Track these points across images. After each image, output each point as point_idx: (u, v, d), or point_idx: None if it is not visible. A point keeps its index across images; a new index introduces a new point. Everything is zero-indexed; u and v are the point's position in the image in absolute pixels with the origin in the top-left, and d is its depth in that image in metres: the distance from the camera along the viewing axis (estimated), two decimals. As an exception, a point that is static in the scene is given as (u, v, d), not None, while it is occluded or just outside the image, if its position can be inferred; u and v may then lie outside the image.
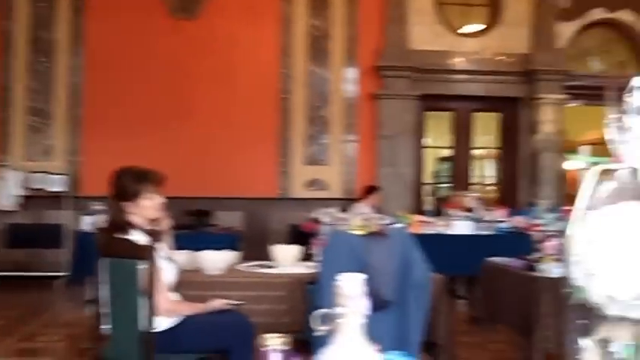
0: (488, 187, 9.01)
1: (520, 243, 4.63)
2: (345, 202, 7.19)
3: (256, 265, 3.78)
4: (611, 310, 0.91)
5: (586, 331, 0.96)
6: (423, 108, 8.26)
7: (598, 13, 8.27)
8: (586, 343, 0.96)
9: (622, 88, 0.94)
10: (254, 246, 5.26)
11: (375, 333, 3.16)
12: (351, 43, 7.98)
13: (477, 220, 6.91)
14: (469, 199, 7.50)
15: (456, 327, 5.64)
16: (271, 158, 7.95)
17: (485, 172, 9.39)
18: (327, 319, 1.06)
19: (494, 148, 8.83)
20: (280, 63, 7.93)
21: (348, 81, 8.03)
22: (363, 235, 3.20)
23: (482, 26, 8.33)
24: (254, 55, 7.87)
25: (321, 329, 1.09)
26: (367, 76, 7.98)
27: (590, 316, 0.95)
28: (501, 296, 4.22)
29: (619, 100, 0.94)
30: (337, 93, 8.02)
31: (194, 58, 7.75)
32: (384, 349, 3.09)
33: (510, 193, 8.42)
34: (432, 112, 8.59)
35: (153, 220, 2.87)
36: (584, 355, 0.96)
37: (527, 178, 8.25)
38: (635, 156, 0.92)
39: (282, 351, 1.11)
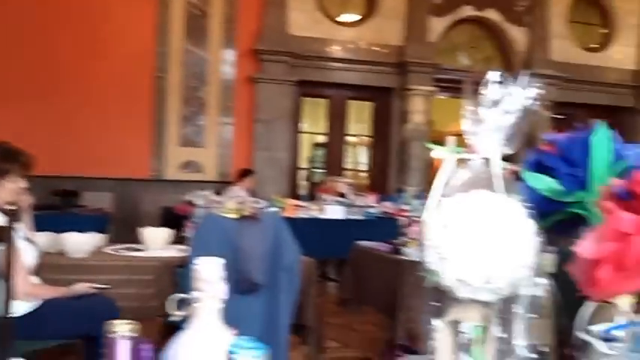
0: (361, 174, 9.25)
1: (388, 227, 4.80)
2: (220, 185, 7.12)
3: (124, 248, 3.67)
4: (462, 293, 0.95)
5: (439, 313, 1.00)
6: (300, 94, 8.33)
7: (467, 11, 8.68)
8: (439, 324, 1.00)
9: (478, 82, 0.99)
10: (125, 228, 5.09)
11: (245, 316, 3.17)
12: (230, 24, 7.86)
13: (349, 205, 7.09)
14: (342, 184, 7.67)
15: (326, 309, 5.77)
16: (144, 138, 7.70)
17: (359, 158, 9.63)
18: (184, 303, 1.04)
19: (367, 136, 9.06)
20: (156, 40, 7.67)
21: (226, 63, 7.91)
22: (236, 219, 3.19)
23: (359, 16, 8.48)
24: (128, 31, 7.56)
25: (176, 314, 1.07)
26: (245, 58, 7.90)
27: (443, 299, 0.99)
28: (368, 279, 4.36)
29: (476, 93, 0.99)
30: (215, 74, 7.89)
31: (63, 30, 7.31)
32: (254, 331, 3.11)
33: (381, 179, 8.70)
34: (309, 98, 8.67)
35: (9, 201, 2.71)
36: (437, 336, 1.00)
37: (397, 165, 8.54)
38: (488, 147, 0.97)
39: (131, 338, 1.07)
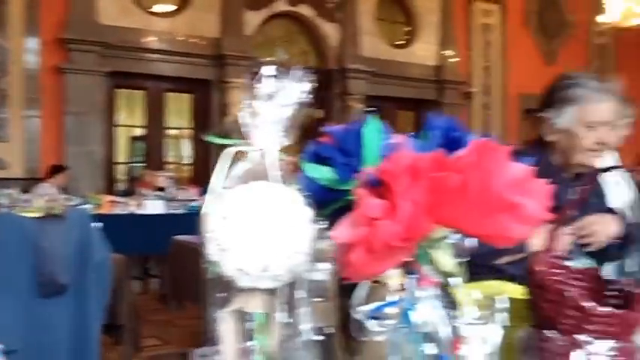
0: (184, 167, 9.11)
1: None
2: (28, 183, 6.67)
3: None
4: (243, 282, 0.97)
5: (224, 303, 1.02)
6: (114, 85, 8.00)
7: (281, 6, 8.83)
8: (224, 314, 1.02)
9: (256, 75, 1.02)
10: None
11: (51, 319, 3.00)
12: (32, 10, 7.29)
13: (170, 200, 6.99)
14: (162, 178, 7.53)
15: (147, 306, 5.64)
16: (-64, 133, 6.98)
17: (181, 151, 9.48)
18: None
19: (188, 129, 8.94)
20: (-54, 25, 6.96)
21: (30, 51, 7.36)
22: (37, 218, 3.01)
23: (174, 7, 8.30)
24: None
25: None
26: (51, 47, 7.40)
27: (226, 289, 1.01)
28: (188, 273, 4.32)
29: (253, 86, 1.01)
30: (17, 64, 7.30)
31: None
32: (62, 334, 2.96)
33: (204, 172, 8.60)
34: (124, 90, 8.37)
35: None
36: (222, 326, 1.02)
37: (219, 158, 8.50)
38: (265, 139, 1.00)
39: None
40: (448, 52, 10.16)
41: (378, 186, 0.79)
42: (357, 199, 0.79)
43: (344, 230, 0.80)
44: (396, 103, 9.70)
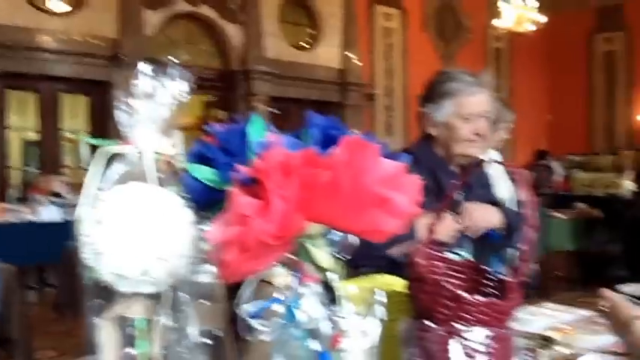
0: (82, 171, 8.78)
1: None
2: None
3: None
4: (122, 287, 0.94)
5: (102, 310, 0.99)
6: (5, 86, 7.60)
7: (182, 6, 8.67)
8: (102, 322, 0.98)
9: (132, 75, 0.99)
10: None
11: None
12: None
13: (66, 205, 6.73)
14: (57, 183, 7.24)
15: (44, 317, 5.42)
16: None
17: (78, 155, 9.13)
18: None
19: (86, 132, 8.61)
20: None
21: None
22: None
23: (68, 6, 7.96)
24: None
25: None
26: None
27: (104, 295, 0.98)
28: (81, 281, 4.18)
29: (129, 84, 0.98)
30: None
31: None
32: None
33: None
34: (16, 92, 7.97)
35: None
36: (101, 334, 0.99)
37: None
38: (142, 139, 0.97)
39: None
40: (351, 55, 10.31)
41: (253, 185, 0.78)
42: (230, 197, 0.79)
43: (218, 230, 0.79)
44: (301, 104, 9.74)
